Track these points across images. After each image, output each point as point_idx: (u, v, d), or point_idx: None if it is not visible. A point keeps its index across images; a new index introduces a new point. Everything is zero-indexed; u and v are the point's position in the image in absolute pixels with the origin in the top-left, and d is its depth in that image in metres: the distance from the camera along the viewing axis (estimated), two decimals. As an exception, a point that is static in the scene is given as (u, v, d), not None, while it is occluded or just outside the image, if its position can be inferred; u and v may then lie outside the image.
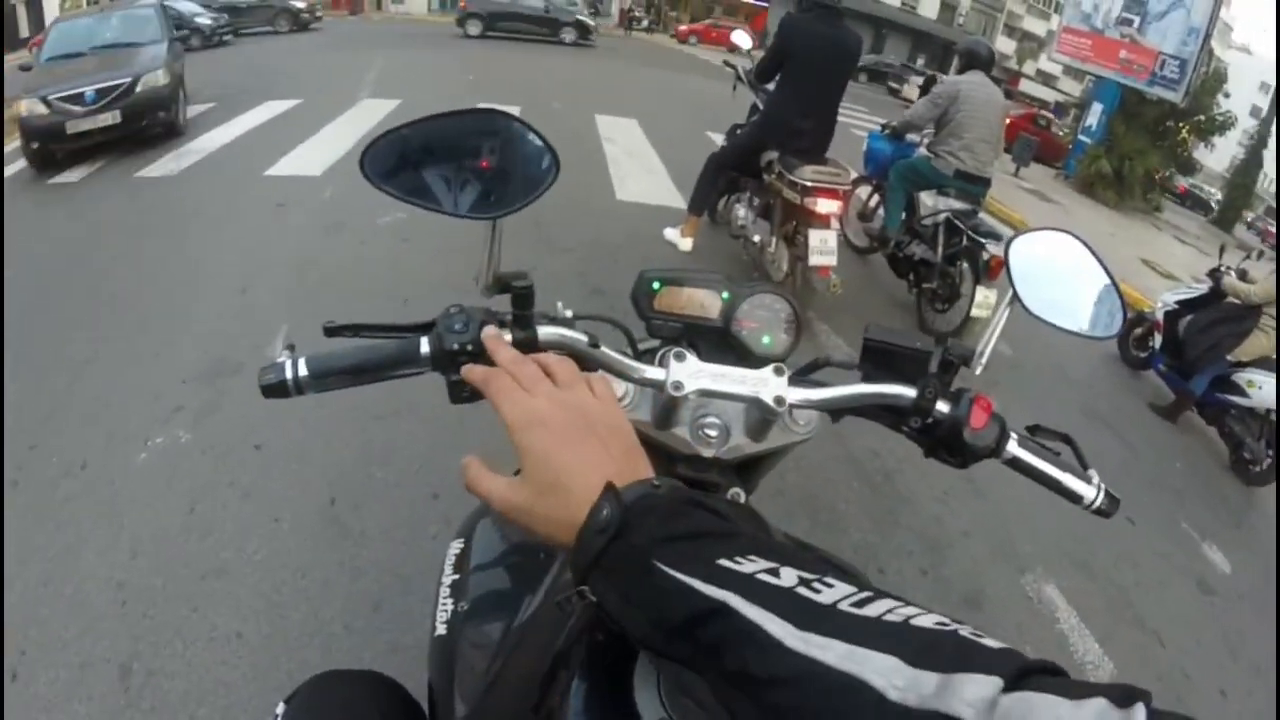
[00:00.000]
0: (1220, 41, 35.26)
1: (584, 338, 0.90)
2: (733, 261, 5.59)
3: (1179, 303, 5.76)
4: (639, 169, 8.36)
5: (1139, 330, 6.17)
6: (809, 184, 4.54)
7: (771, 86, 5.32)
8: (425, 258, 5.30)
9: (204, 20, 18.48)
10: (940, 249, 5.32)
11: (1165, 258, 11.48)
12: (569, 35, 25.50)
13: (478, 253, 0.96)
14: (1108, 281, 1.04)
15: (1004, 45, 52.11)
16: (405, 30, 25.92)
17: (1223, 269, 5.61)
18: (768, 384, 0.89)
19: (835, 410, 0.95)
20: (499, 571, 1.14)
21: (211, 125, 9.50)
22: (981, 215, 5.46)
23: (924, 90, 15.58)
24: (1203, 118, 17.66)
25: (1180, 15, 15.07)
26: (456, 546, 1.20)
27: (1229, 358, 5.18)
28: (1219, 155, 28.23)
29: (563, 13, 26.15)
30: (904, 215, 5.76)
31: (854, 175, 5.56)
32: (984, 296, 4.82)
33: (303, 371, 0.84)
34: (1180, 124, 17.17)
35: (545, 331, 0.89)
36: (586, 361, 0.90)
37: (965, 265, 5.12)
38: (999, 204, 9.98)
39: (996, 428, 0.89)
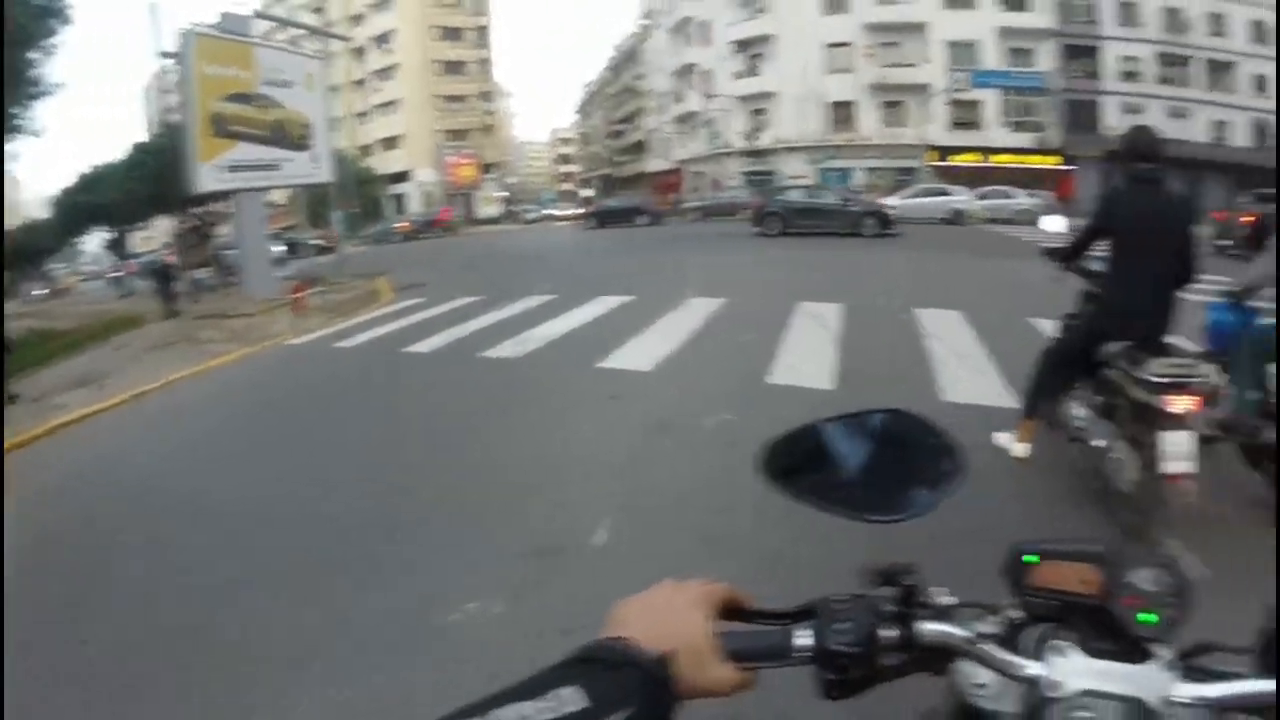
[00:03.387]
0: None
1: (964, 633, 0.88)
2: (1070, 470, 5.28)
3: None
4: (965, 364, 8.32)
5: None
6: (1160, 380, 4.14)
7: (1095, 266, 5.16)
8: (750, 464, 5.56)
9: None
10: (1308, 431, 4.68)
11: None
12: (869, 228, 25.74)
13: None
14: None
15: (1334, 157, 47.14)
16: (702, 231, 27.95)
17: None
18: (1154, 681, 0.82)
19: (1228, 709, 0.83)
20: None
21: (550, 315, 10.99)
22: None
23: (1253, 233, 13.94)
24: None
25: None
26: None
27: None
28: None
29: (857, 203, 27.11)
30: (1257, 395, 5.13)
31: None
32: None
33: None
34: None
35: (926, 629, 0.87)
36: (962, 656, 0.90)
37: (1336, 449, 4.43)
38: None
39: None
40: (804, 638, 0.84)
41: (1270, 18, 46.73)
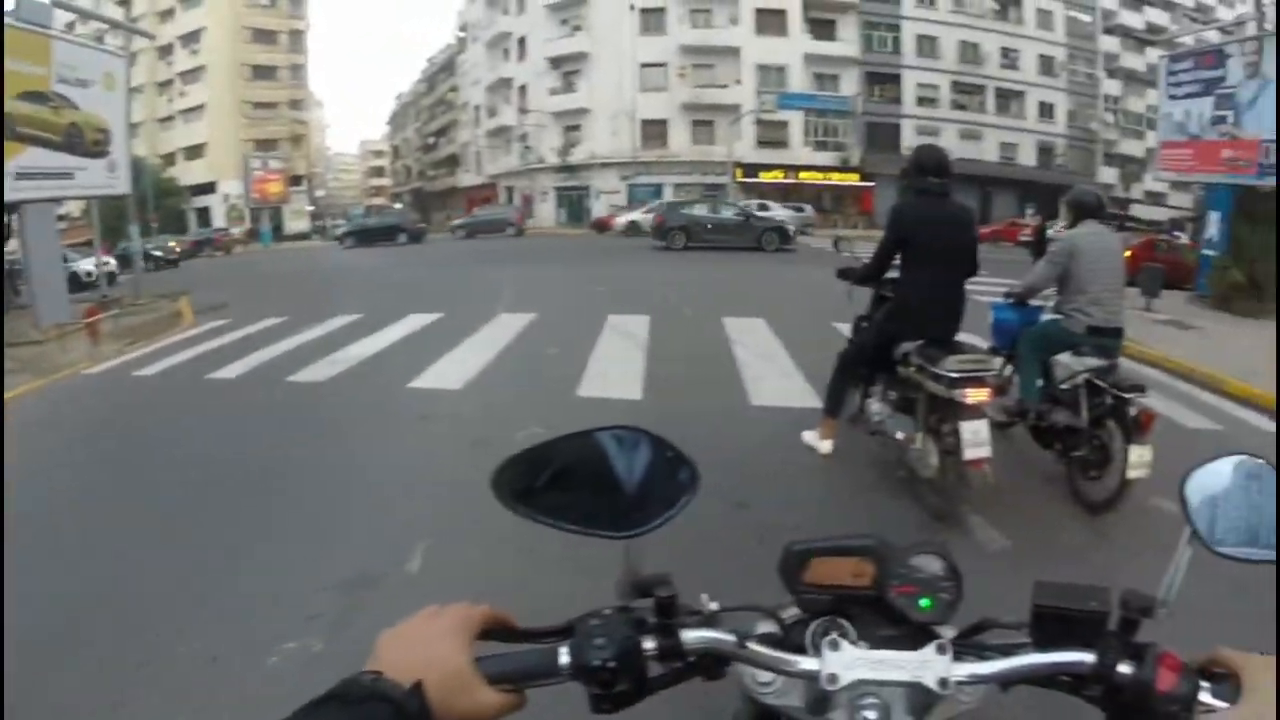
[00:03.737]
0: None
1: (731, 637, 0.89)
2: (874, 462, 5.51)
3: None
4: (771, 368, 8.53)
5: None
6: (955, 375, 4.42)
7: (892, 275, 5.41)
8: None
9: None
10: (1084, 412, 5.15)
11: None
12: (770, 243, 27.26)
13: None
14: None
15: (1107, 175, 52.23)
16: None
17: None
18: (930, 665, 0.85)
19: (1006, 682, 0.89)
20: None
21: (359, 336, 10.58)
22: (1122, 368, 5.34)
23: (1035, 240, 15.60)
24: None
25: (1270, 96, 14.75)
26: None
27: None
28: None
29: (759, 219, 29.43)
30: (1041, 383, 5.65)
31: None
32: (1138, 456, 4.56)
33: None
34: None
35: (690, 637, 0.89)
36: (734, 662, 0.91)
37: (1113, 425, 4.91)
38: (1137, 345, 9.64)
39: (1188, 686, 0.80)
40: (563, 656, 0.84)
41: (1057, 52, 51.36)
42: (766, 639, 0.93)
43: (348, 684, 0.74)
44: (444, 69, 78.07)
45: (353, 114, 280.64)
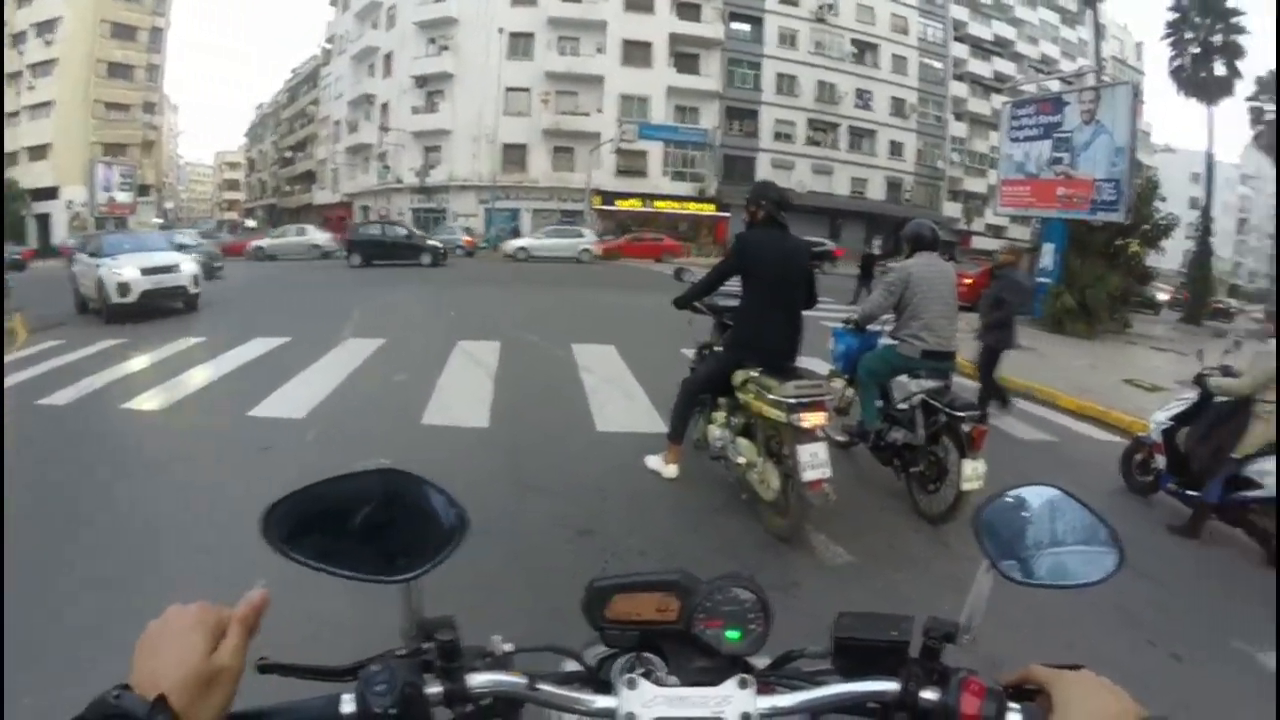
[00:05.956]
0: (1144, 149, 37.10)
1: (521, 680, 0.87)
2: (719, 484, 5.53)
3: (1172, 419, 5.83)
4: (618, 394, 8.50)
5: (1139, 455, 6.19)
6: (792, 400, 4.47)
7: (721, 302, 5.57)
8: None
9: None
10: (920, 430, 5.39)
11: (1147, 372, 11.87)
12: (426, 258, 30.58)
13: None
14: (1090, 518, 1.01)
15: (951, 210, 54.97)
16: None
17: (1205, 372, 5.71)
18: (732, 701, 0.85)
19: (812, 713, 0.89)
20: None
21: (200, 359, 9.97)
22: (954, 389, 5.66)
23: (862, 269, 17.05)
24: (1147, 227, 18.59)
25: (1104, 140, 16.38)
26: None
27: (1235, 455, 5.17)
28: (1169, 257, 28.90)
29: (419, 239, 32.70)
30: (879, 404, 5.85)
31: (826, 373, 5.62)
32: (972, 469, 4.82)
33: None
34: (1128, 240, 17.87)
35: (476, 680, 0.86)
36: (527, 704, 0.89)
37: (948, 442, 5.16)
38: (975, 366, 10.12)
39: (994, 707, 0.82)
40: (349, 704, 0.81)
41: (909, 95, 53.73)
42: (563, 678, 0.94)
43: (94, 705, 0.70)
44: (306, 80, 75.36)
45: (208, 123, 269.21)
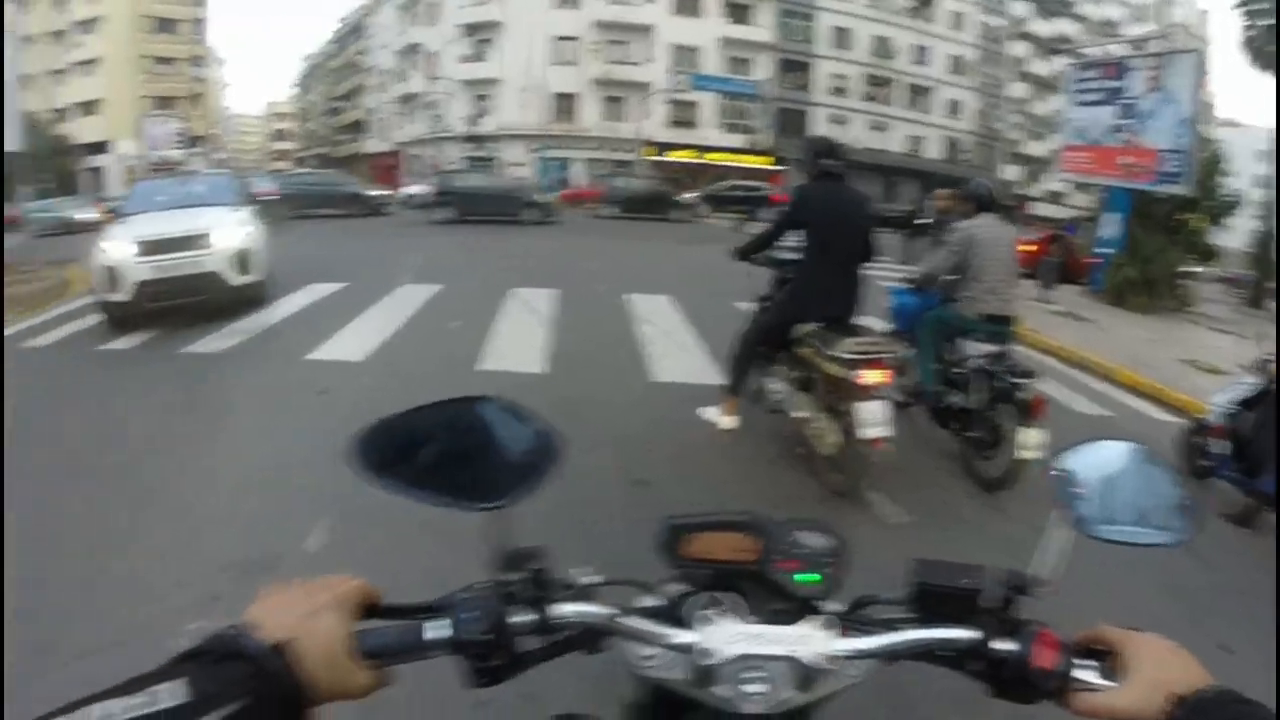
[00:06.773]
0: (1207, 123, 35.99)
1: (605, 611, 0.88)
2: (773, 438, 5.55)
3: (1236, 403, 5.62)
4: (675, 349, 8.49)
5: (1197, 438, 5.96)
6: (852, 357, 4.46)
7: (781, 255, 5.52)
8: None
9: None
10: (978, 394, 5.32)
11: (1208, 352, 11.40)
12: (531, 215, 26.33)
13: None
14: (1171, 479, 1.00)
15: (1012, 173, 53.89)
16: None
17: (1266, 357, 5.52)
18: (811, 640, 0.85)
19: (888, 657, 0.89)
20: None
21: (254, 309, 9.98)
22: (1014, 354, 5.52)
23: (911, 231, 16.12)
24: (1211, 202, 18.03)
25: (1170, 110, 15.67)
26: None
27: None
28: (1238, 235, 28.11)
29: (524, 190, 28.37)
30: (937, 366, 5.80)
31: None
32: (1028, 437, 4.72)
33: None
34: (1190, 215, 17.37)
35: (562, 610, 0.87)
36: (611, 635, 0.90)
37: (1005, 407, 5.06)
38: (1034, 334, 9.98)
39: (1066, 660, 0.82)
40: (435, 630, 0.82)
41: (968, 53, 52.58)
42: (645, 612, 0.93)
43: (213, 640, 0.71)
44: (355, 31, 75.15)
45: (255, 73, 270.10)
